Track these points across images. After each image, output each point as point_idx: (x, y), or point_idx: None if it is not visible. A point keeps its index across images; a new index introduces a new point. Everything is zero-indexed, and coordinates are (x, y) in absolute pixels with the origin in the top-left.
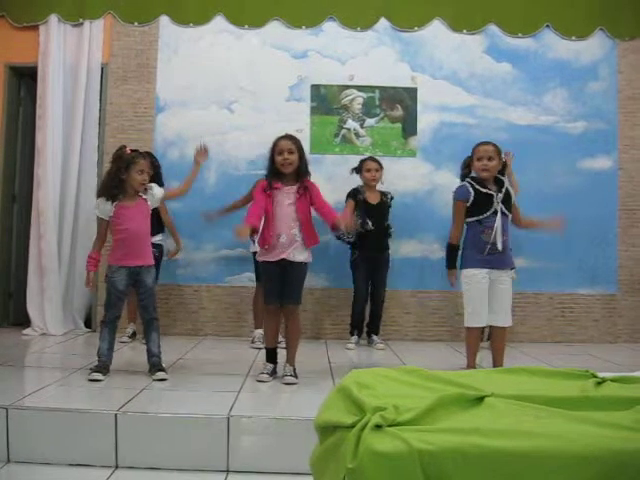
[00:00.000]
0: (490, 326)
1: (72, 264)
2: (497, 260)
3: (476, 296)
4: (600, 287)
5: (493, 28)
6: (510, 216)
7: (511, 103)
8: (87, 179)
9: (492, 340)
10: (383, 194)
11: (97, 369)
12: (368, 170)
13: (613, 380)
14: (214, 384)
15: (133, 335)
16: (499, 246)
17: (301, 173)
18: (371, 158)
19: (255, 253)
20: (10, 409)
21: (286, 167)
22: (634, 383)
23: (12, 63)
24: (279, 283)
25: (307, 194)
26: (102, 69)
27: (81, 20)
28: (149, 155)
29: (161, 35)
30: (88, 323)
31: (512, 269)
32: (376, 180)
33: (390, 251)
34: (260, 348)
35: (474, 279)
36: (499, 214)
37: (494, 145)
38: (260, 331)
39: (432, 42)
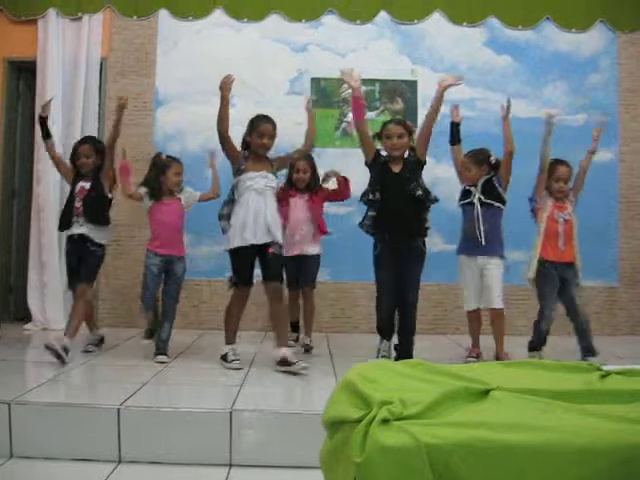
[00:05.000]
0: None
1: None
2: (479, 247)
3: (463, 280)
4: (601, 280)
5: (493, 20)
6: (494, 204)
7: (511, 96)
8: None
9: (491, 323)
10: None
11: (159, 352)
12: (388, 137)
13: (618, 373)
14: (216, 378)
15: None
16: (479, 235)
17: (312, 185)
18: (395, 121)
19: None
20: (12, 404)
21: (299, 183)
22: (639, 376)
23: (11, 57)
24: (295, 274)
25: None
26: (101, 63)
27: (80, 14)
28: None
29: (160, 29)
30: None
31: (501, 257)
32: (398, 149)
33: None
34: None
35: (461, 265)
36: (477, 204)
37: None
38: (230, 347)
39: (432, 35)
